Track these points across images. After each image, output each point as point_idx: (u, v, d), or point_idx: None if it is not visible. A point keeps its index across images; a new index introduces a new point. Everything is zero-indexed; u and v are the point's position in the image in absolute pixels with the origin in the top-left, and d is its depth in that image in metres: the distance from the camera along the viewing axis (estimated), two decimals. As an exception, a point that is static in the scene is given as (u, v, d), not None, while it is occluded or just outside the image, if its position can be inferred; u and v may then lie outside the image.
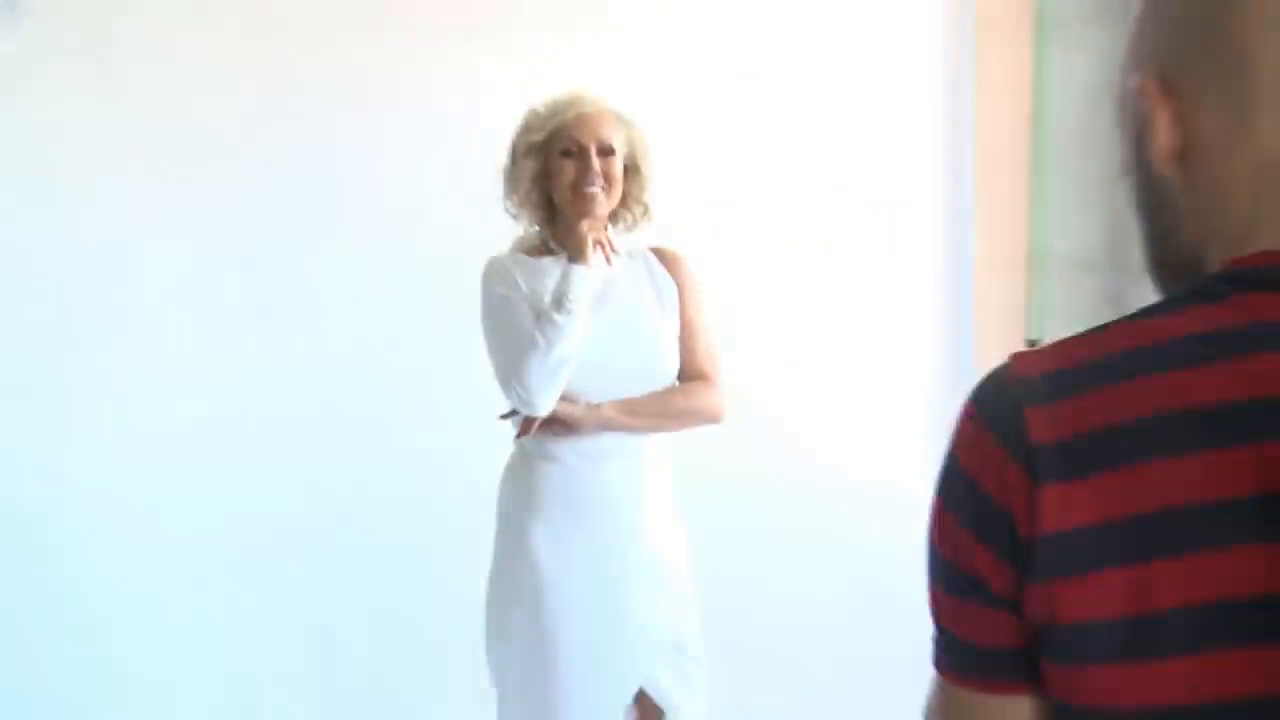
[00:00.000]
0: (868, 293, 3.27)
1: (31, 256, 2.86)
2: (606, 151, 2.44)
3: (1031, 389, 0.81)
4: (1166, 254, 0.89)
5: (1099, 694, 0.79)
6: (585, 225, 2.41)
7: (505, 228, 2.55)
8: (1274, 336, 0.78)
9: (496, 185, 2.52)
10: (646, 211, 2.52)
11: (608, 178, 2.43)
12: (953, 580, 0.85)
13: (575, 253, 2.40)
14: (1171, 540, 0.76)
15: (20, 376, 2.86)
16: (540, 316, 2.35)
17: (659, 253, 2.58)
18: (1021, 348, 3.66)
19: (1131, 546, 0.76)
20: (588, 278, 2.37)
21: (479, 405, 2.53)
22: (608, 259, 2.44)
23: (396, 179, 3.00)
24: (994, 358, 3.33)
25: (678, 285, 2.55)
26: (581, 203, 2.42)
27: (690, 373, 2.51)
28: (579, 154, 2.43)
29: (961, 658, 0.86)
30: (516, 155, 2.48)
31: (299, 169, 2.97)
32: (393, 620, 3.04)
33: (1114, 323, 0.84)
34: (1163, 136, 0.85)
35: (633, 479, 2.45)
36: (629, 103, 2.52)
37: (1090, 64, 3.44)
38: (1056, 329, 3.39)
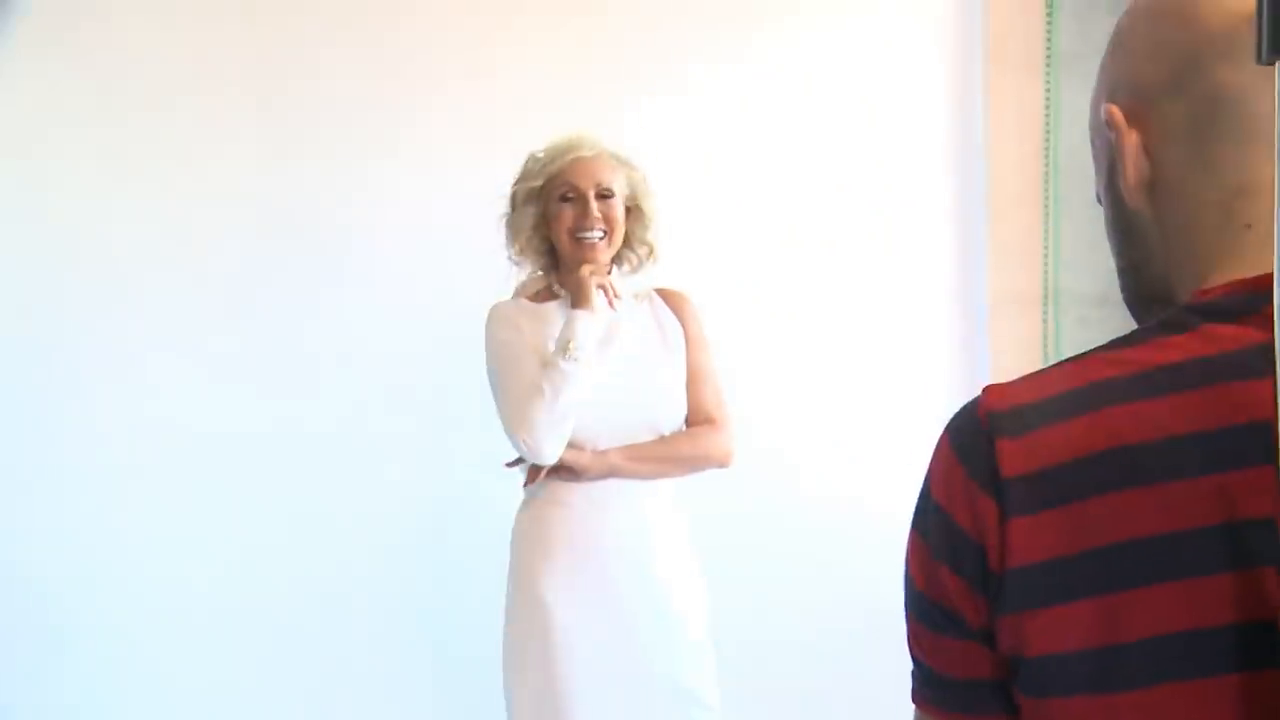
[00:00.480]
0: (882, 330, 3.24)
1: (28, 304, 2.85)
2: (605, 195, 2.43)
3: (1002, 422, 0.81)
4: (1140, 285, 0.90)
5: None
6: (586, 270, 2.40)
7: (508, 273, 2.54)
8: (1239, 366, 0.77)
9: (500, 233, 2.52)
10: (651, 252, 2.51)
11: (608, 221, 2.42)
12: (927, 612, 0.85)
13: (578, 298, 2.39)
14: (1139, 571, 0.75)
15: (12, 424, 2.85)
16: (546, 364, 2.34)
17: (665, 294, 2.56)
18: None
19: (1099, 578, 0.76)
20: (592, 323, 2.36)
21: (489, 449, 2.51)
22: (610, 303, 2.42)
23: (400, 227, 2.99)
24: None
25: (683, 327, 2.53)
26: (581, 249, 2.42)
27: (697, 417, 2.49)
28: (577, 199, 2.42)
29: (940, 690, 0.86)
30: (516, 202, 2.48)
31: (300, 218, 2.96)
32: (406, 658, 3.01)
33: (1083, 355, 0.84)
34: (1132, 168, 0.85)
35: (642, 524, 2.43)
36: (636, 129, 2.50)
37: (1102, 98, 3.41)
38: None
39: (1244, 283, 0.81)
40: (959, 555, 0.82)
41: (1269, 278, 0.71)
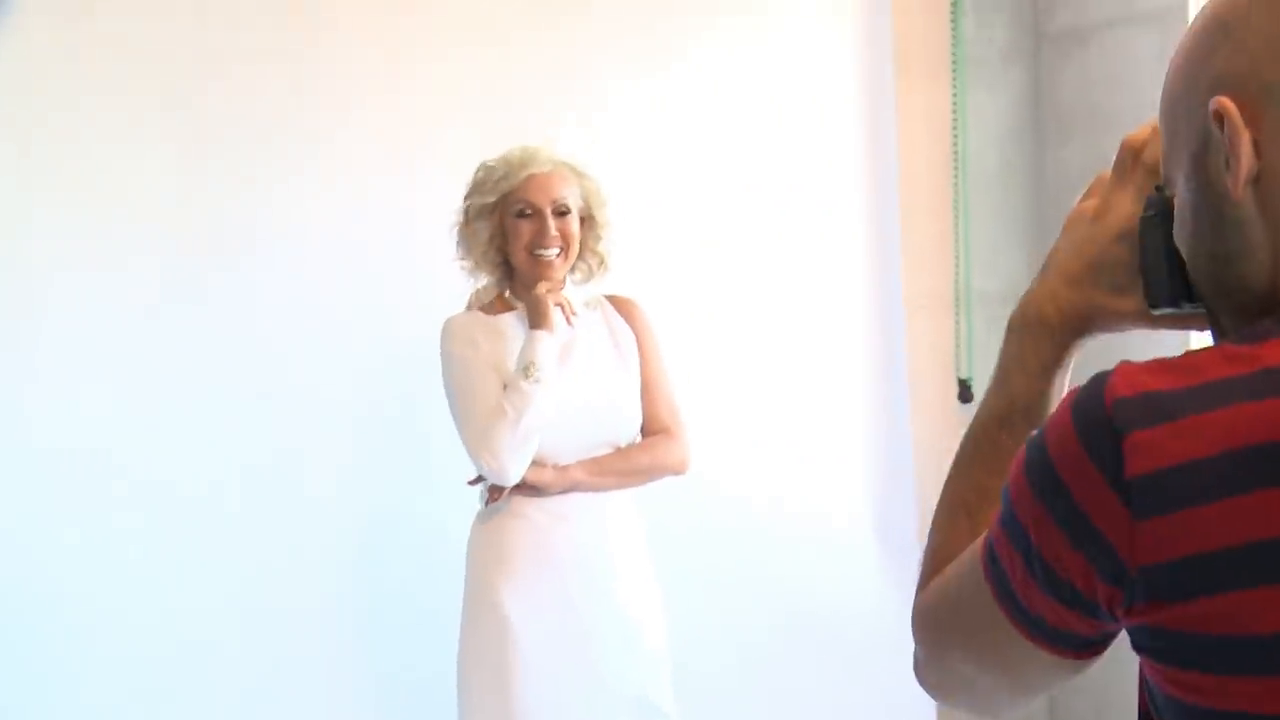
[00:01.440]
0: (800, 335, 3.29)
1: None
2: (562, 212, 2.40)
3: (1132, 412, 0.81)
4: (1228, 276, 0.89)
5: (1235, 701, 0.80)
6: (543, 288, 2.38)
7: (461, 284, 2.50)
8: None
9: (451, 242, 2.47)
10: (603, 262, 2.49)
11: (564, 237, 2.40)
12: (1038, 570, 0.85)
13: (536, 318, 2.36)
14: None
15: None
16: (508, 386, 2.32)
17: (615, 301, 2.56)
18: (952, 385, 3.69)
19: (1245, 574, 0.79)
20: (551, 343, 2.35)
21: (426, 463, 2.50)
22: (568, 320, 2.41)
23: (322, 237, 2.94)
24: (927, 396, 3.39)
25: (635, 335, 2.52)
26: (538, 267, 2.39)
27: (652, 426, 2.49)
28: (534, 216, 2.39)
29: (1023, 617, 0.88)
30: (469, 216, 2.43)
31: (219, 230, 2.91)
32: (352, 680, 2.94)
33: (1196, 351, 0.84)
34: (1245, 164, 0.85)
35: (601, 534, 2.43)
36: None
37: (1008, 103, 3.51)
38: (985, 364, 3.44)
39: None
40: (1086, 541, 0.82)
41: None
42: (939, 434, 3.34)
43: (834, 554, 3.23)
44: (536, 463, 2.36)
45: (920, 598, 0.99)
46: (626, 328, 2.53)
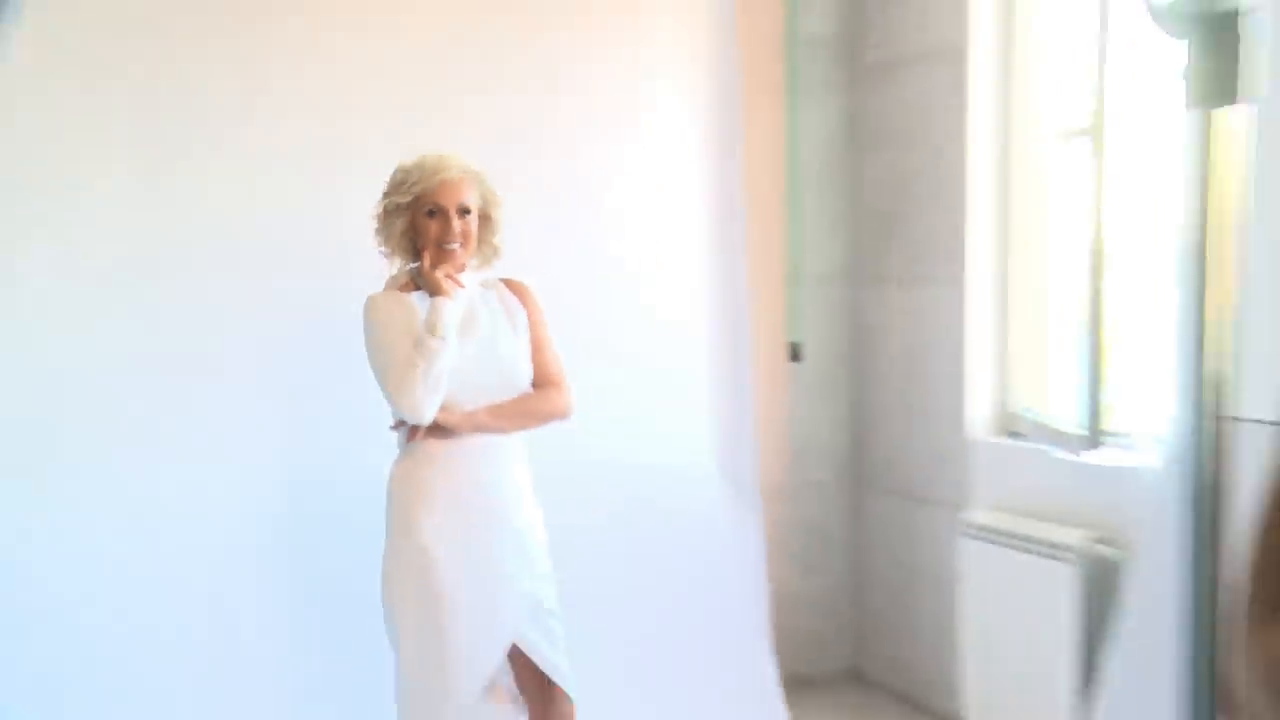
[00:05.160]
0: (664, 305, 3.78)
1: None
2: (464, 212, 2.79)
3: None
4: None
5: None
6: (441, 270, 2.75)
7: (382, 267, 2.89)
8: None
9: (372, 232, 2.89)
10: (496, 251, 2.90)
11: (465, 235, 2.79)
12: None
13: (433, 289, 2.74)
14: None
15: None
16: (417, 342, 2.68)
17: (508, 283, 2.95)
18: (783, 348, 4.35)
19: None
20: (449, 306, 2.71)
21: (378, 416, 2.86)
22: (457, 284, 2.76)
23: (273, 231, 3.31)
24: (764, 355, 4.18)
25: (526, 309, 2.92)
26: (442, 256, 2.77)
27: (542, 380, 2.88)
28: (440, 215, 2.77)
29: None
30: (387, 210, 2.80)
31: (175, 220, 3.23)
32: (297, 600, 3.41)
33: None
34: None
35: (501, 472, 2.82)
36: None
37: (830, 121, 4.20)
38: (810, 330, 4.12)
39: None
40: None
41: None
42: (775, 386, 4.00)
43: (685, 486, 3.73)
44: (446, 409, 2.72)
45: None
46: (519, 304, 2.91)
